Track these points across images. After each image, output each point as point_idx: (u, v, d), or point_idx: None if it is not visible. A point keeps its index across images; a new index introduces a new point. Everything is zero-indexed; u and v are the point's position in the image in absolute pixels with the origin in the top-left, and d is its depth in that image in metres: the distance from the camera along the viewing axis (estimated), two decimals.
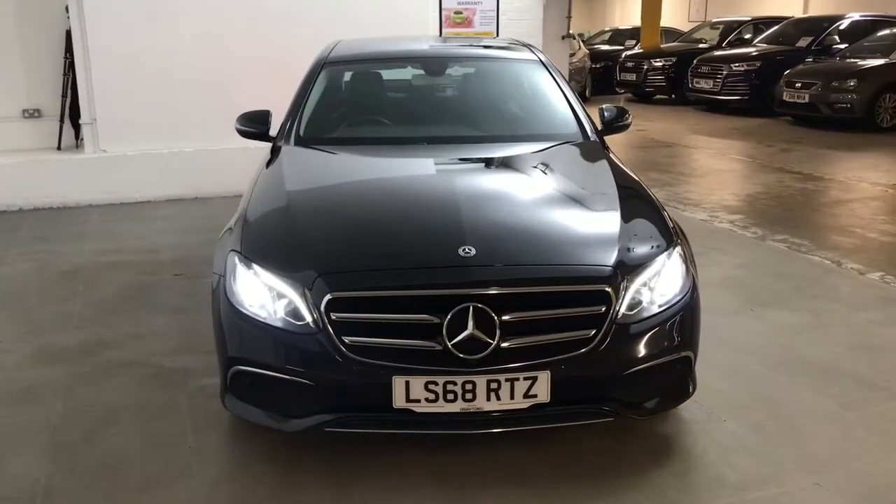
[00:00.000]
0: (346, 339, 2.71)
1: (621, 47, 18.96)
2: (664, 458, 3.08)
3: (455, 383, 2.69)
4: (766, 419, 3.35)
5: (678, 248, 3.11)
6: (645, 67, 16.18)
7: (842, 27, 14.08)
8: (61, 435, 3.27)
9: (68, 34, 7.36)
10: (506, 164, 3.97)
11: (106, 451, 3.14)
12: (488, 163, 3.99)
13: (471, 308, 2.67)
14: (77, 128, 7.67)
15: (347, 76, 4.74)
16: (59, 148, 7.70)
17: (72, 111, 7.65)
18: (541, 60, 4.65)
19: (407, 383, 2.69)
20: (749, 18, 17.34)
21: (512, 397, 2.73)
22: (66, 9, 7.23)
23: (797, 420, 3.35)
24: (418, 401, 2.71)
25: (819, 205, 7.38)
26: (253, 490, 2.88)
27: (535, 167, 3.84)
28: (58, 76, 7.64)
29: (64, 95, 7.65)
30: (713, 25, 17.81)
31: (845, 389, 3.62)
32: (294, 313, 2.79)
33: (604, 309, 2.80)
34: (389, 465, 2.99)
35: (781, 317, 4.48)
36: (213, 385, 3.10)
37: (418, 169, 3.87)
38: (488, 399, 2.72)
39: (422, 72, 4.95)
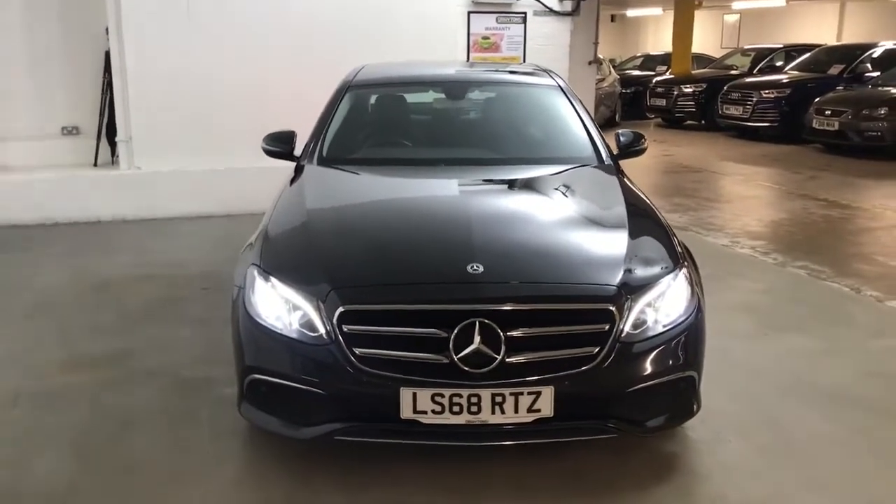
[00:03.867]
0: (357, 351, 2.81)
1: (652, 73, 19.01)
2: (668, 475, 3.13)
3: (461, 396, 2.78)
4: (772, 442, 3.38)
5: (684, 270, 3.18)
6: (675, 93, 16.18)
7: (874, 55, 13.99)
8: (86, 438, 3.41)
9: (107, 55, 7.64)
10: (519, 185, 4.07)
11: (127, 454, 3.27)
12: (502, 184, 4.09)
13: (477, 323, 2.76)
14: (113, 145, 7.91)
15: (370, 99, 4.88)
16: (95, 164, 7.94)
17: (108, 129, 7.90)
18: (559, 85, 4.74)
19: (414, 395, 2.79)
20: (781, 46, 17.31)
21: (516, 411, 2.81)
22: (107, 30, 7.51)
23: (803, 444, 3.38)
24: (425, 412, 2.80)
25: (843, 232, 7.37)
26: (266, 494, 2.99)
27: (548, 189, 3.93)
28: (96, 95, 7.90)
29: (101, 114, 7.90)
30: (745, 52, 17.78)
31: (855, 415, 3.63)
32: (308, 325, 2.90)
33: (608, 327, 2.87)
34: (398, 475, 3.08)
35: (796, 342, 4.50)
36: (233, 394, 3.22)
37: (434, 189, 3.98)
38: (493, 412, 2.80)
39: (442, 96, 5.08)
